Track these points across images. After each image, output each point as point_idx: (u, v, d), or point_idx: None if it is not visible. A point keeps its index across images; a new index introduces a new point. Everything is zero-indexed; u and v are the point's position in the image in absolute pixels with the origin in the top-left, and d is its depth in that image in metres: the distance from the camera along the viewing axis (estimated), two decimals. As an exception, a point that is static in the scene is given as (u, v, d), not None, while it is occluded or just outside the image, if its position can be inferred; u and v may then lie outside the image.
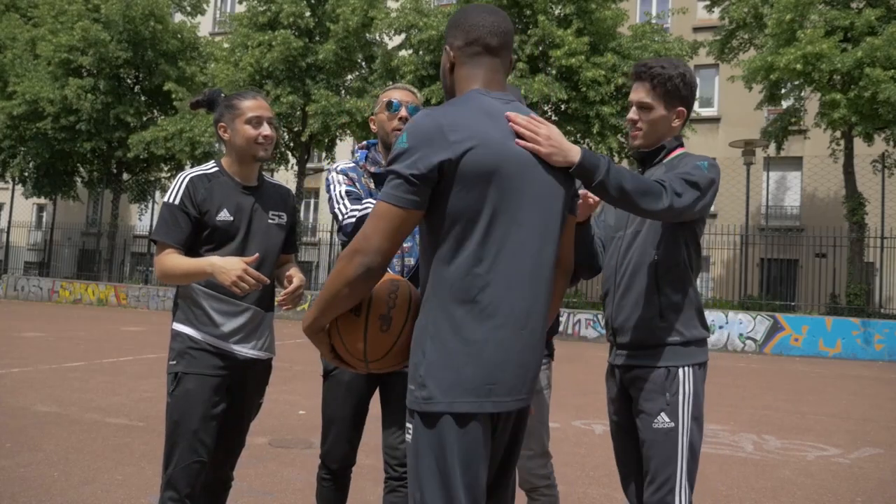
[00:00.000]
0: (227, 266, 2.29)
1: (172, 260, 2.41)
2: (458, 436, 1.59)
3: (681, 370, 2.19)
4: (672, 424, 2.15)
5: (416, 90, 2.76)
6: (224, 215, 2.48)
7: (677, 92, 2.26)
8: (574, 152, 1.76)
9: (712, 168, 2.19)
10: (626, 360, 2.27)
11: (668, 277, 2.22)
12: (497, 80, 1.76)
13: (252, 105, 2.52)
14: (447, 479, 1.58)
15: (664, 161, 2.31)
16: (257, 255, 2.38)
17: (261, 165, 2.66)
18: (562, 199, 1.75)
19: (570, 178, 1.79)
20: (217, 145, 19.45)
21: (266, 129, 2.52)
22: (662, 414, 2.16)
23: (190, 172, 2.54)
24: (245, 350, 2.51)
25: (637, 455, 2.25)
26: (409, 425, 1.67)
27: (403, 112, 2.62)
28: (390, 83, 18.98)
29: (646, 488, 2.16)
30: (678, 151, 2.32)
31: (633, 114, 2.32)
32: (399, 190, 1.60)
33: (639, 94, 2.29)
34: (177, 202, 2.45)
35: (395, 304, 1.73)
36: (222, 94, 2.63)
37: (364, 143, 2.77)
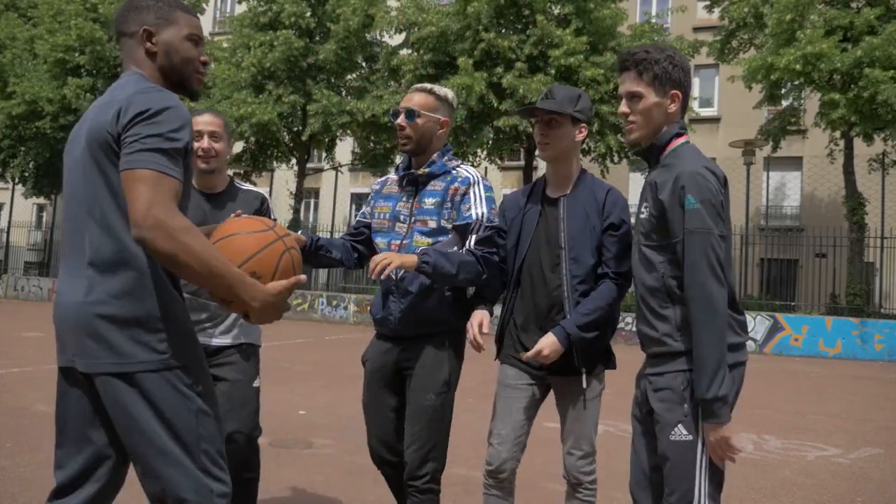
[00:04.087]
0: None
1: None
2: None
3: None
4: (690, 438, 2.01)
5: (429, 88, 2.68)
6: None
7: (667, 75, 2.13)
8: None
9: (705, 201, 2.01)
10: (649, 367, 2.17)
11: (657, 295, 2.13)
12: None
13: (195, 121, 2.74)
14: None
15: (662, 160, 2.18)
16: None
17: (230, 174, 2.99)
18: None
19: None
20: None
21: (204, 143, 2.78)
22: (680, 426, 2.03)
23: None
24: (209, 340, 2.75)
25: (655, 459, 2.15)
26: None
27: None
28: (392, 83, 18.99)
29: (665, 499, 2.07)
30: (678, 142, 2.18)
31: (623, 106, 2.20)
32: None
33: (626, 84, 2.18)
34: None
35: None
36: None
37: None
